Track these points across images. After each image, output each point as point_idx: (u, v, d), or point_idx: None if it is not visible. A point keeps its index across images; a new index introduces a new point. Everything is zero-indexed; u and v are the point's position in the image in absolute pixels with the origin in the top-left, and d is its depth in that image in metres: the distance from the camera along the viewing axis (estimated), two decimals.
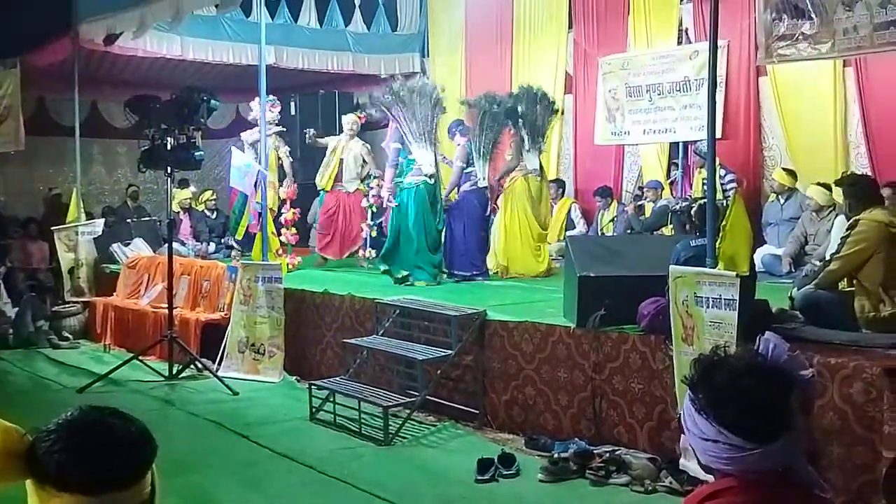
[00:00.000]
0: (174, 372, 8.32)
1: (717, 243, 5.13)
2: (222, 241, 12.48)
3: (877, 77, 8.89)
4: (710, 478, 2.06)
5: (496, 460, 5.58)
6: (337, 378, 7.20)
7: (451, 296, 7.85)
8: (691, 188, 10.12)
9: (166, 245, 8.56)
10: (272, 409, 7.33)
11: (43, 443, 1.59)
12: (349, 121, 10.77)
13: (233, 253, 11.15)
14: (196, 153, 8.08)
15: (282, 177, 10.88)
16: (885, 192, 7.25)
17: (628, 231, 10.28)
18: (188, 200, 12.62)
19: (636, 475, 5.30)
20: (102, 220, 12.20)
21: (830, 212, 8.41)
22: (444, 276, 9.09)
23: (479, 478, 5.45)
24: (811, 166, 9.28)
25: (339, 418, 6.74)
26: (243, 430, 6.62)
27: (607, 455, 5.52)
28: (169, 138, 7.92)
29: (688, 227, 6.14)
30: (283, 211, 10.33)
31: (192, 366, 8.41)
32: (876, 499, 4.46)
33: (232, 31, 11.94)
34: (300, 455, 6.00)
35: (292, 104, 13.68)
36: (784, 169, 9.40)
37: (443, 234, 9.14)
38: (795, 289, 6.06)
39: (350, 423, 6.62)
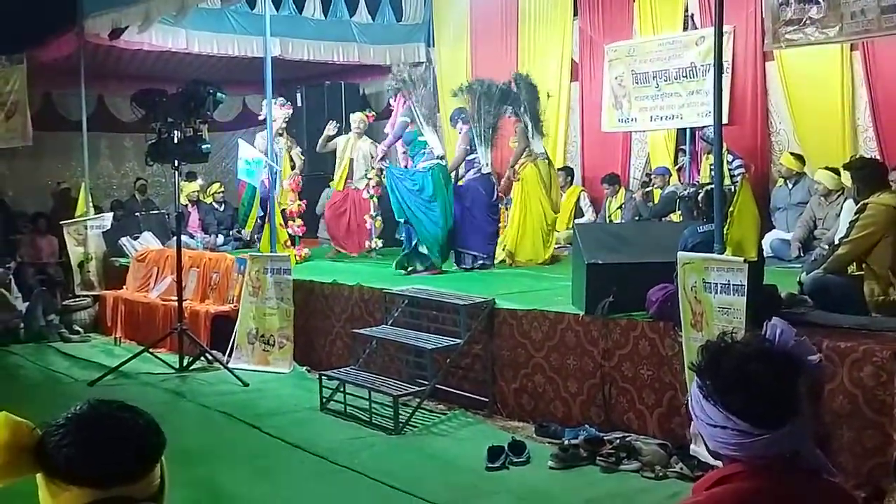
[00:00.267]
0: (185, 364, 8.35)
1: (725, 229, 5.11)
2: (230, 233, 12.51)
3: (885, 60, 8.83)
4: (719, 463, 2.06)
5: (506, 448, 5.59)
6: (347, 368, 7.22)
7: (460, 285, 7.86)
8: (699, 174, 10.08)
9: (175, 238, 8.57)
10: (282, 400, 7.35)
11: (52, 437, 1.60)
12: (357, 119, 10.77)
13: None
14: (203, 146, 8.08)
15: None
16: (894, 175, 7.21)
17: (636, 218, 10.26)
18: (196, 193, 12.65)
19: (646, 461, 5.30)
20: (111, 214, 12.22)
21: (839, 196, 8.38)
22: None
23: (490, 465, 5.46)
24: (819, 151, 9.24)
25: (349, 408, 6.76)
26: (254, 421, 6.64)
27: (617, 441, 5.52)
28: (176, 131, 7.92)
29: (695, 213, 6.13)
30: (289, 203, 10.34)
31: (202, 358, 8.43)
32: (886, 481, 4.46)
33: (237, 24, 11.92)
34: (311, 445, 6.02)
35: (298, 96, 13.67)
36: (792, 154, 9.35)
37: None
38: (804, 273, 6.05)
39: (360, 412, 6.64)
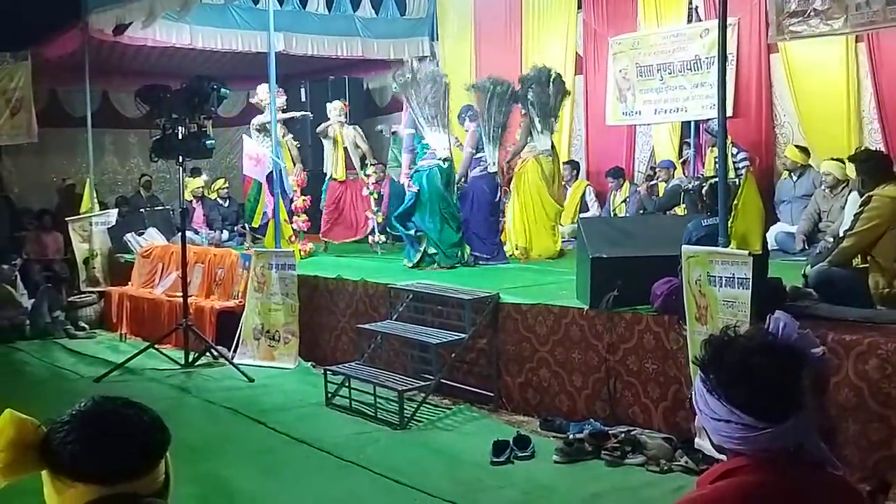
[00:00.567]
0: (190, 360, 8.36)
1: (730, 222, 5.11)
2: (235, 228, 12.52)
3: (890, 52, 8.80)
4: (723, 457, 2.06)
5: (511, 442, 5.60)
6: (352, 363, 7.23)
7: (464, 279, 7.86)
8: (703, 167, 10.07)
9: (180, 234, 8.58)
10: (288, 396, 7.36)
11: (57, 434, 1.61)
12: (335, 108, 10.76)
13: (247, 238, 11.20)
14: (207, 142, 8.09)
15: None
16: None
17: (640, 211, 10.25)
18: (201, 189, 12.67)
19: (651, 455, 5.30)
20: (116, 210, 12.25)
21: (844, 188, 8.36)
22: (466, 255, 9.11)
23: (495, 460, 5.46)
24: (824, 143, 9.22)
25: (354, 403, 6.76)
26: (259, 417, 6.65)
27: (622, 435, 5.52)
28: (180, 127, 7.93)
29: (700, 206, 6.12)
30: (293, 198, 10.35)
31: (207, 353, 8.44)
32: (892, 475, 4.45)
33: (241, 19, 11.90)
34: (316, 440, 6.03)
35: (302, 90, 13.67)
36: (796, 146, 9.34)
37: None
38: (809, 266, 6.04)
39: (366, 407, 6.64)
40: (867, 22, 6.65)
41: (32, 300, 10.44)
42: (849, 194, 7.96)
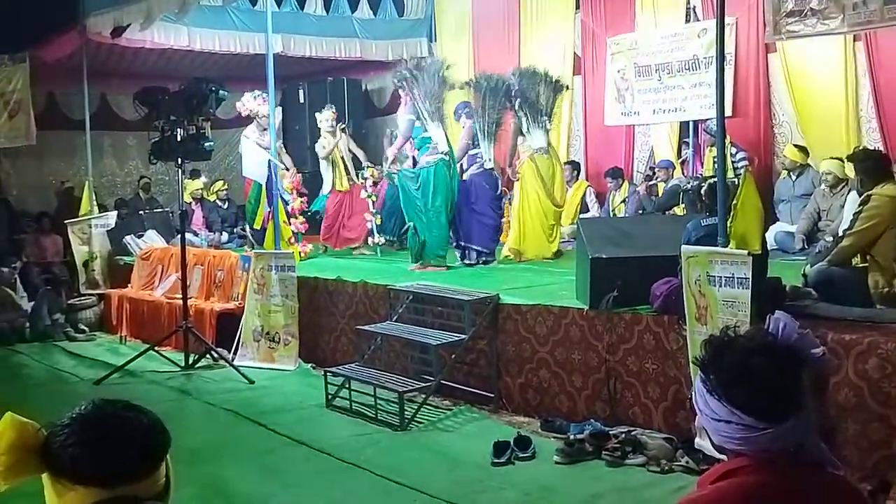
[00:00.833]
0: (190, 362, 8.35)
1: (729, 222, 5.11)
2: (234, 230, 12.52)
3: (887, 51, 8.80)
4: (724, 457, 2.07)
5: (512, 443, 5.60)
6: (352, 365, 7.22)
7: (464, 280, 7.86)
8: (702, 167, 10.08)
9: (179, 236, 8.58)
10: (288, 397, 7.36)
11: (57, 437, 1.61)
12: (325, 118, 10.64)
13: (247, 240, 11.20)
14: (206, 144, 8.08)
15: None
16: None
17: (640, 211, 10.25)
18: (200, 191, 12.66)
19: (652, 455, 5.30)
20: (115, 213, 12.24)
21: (843, 187, 8.37)
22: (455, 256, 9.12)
23: (496, 461, 5.46)
24: (822, 142, 9.23)
25: (354, 405, 6.76)
26: (259, 419, 6.65)
27: (623, 436, 5.52)
28: (179, 129, 7.92)
29: (699, 206, 6.13)
30: (290, 200, 10.35)
31: (207, 355, 8.44)
32: (892, 474, 4.46)
33: (239, 21, 11.92)
34: (317, 442, 6.02)
35: (301, 92, 13.69)
36: (795, 145, 9.34)
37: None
38: (809, 266, 6.03)
39: (366, 409, 6.64)
40: (864, 21, 6.66)
41: (32, 303, 10.43)
42: (848, 193, 7.96)
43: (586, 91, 11.75)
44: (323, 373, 7.24)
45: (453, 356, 6.77)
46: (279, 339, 8.39)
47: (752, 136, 9.99)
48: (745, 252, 4.93)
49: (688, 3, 10.53)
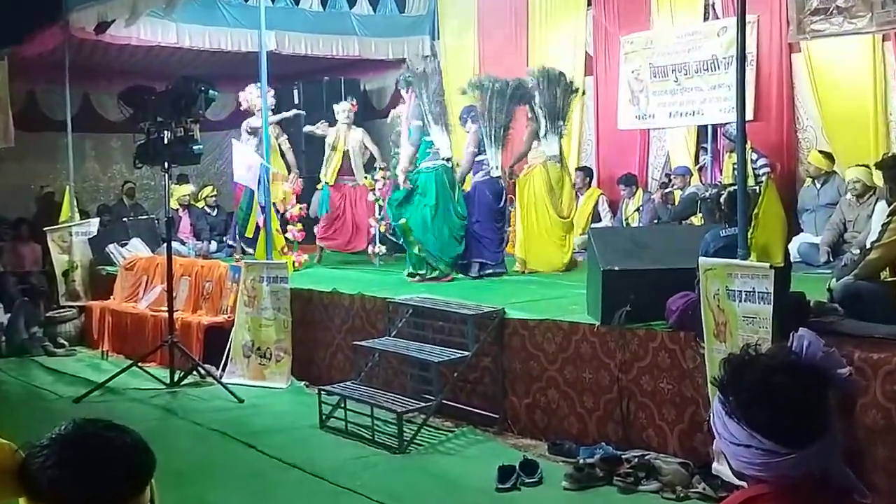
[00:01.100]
0: (176, 379, 8.36)
1: (749, 233, 5.10)
2: (224, 239, 12.53)
3: None
4: (743, 484, 2.06)
5: (518, 467, 5.59)
6: (347, 383, 7.22)
7: (468, 293, 7.86)
8: (721, 174, 10.07)
9: (165, 245, 8.59)
10: (279, 417, 7.37)
11: (36, 458, 1.61)
12: (343, 109, 10.84)
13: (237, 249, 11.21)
14: (194, 147, 8.10)
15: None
16: None
17: (655, 221, 10.25)
18: (187, 197, 12.69)
19: (667, 481, 5.30)
20: (97, 220, 12.26)
21: (871, 196, 8.36)
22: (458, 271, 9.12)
23: (500, 486, 5.46)
24: (849, 148, 9.23)
25: (350, 425, 6.76)
26: (249, 440, 6.64)
27: (636, 460, 5.51)
28: (165, 131, 7.94)
29: (718, 215, 6.12)
30: (288, 207, 10.37)
31: (194, 372, 8.44)
32: None
33: (230, 17, 11.95)
34: (310, 465, 6.02)
35: (295, 92, 13.70)
36: (820, 151, 9.34)
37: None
38: (834, 280, 6.02)
39: (362, 430, 6.64)
40: (894, 20, 6.66)
41: (8, 315, 10.44)
42: (876, 203, 7.96)
43: (598, 93, 11.75)
44: (317, 391, 7.23)
45: (455, 374, 6.76)
46: (270, 354, 8.39)
47: (775, 141, 9.99)
48: (767, 265, 4.93)
49: None
